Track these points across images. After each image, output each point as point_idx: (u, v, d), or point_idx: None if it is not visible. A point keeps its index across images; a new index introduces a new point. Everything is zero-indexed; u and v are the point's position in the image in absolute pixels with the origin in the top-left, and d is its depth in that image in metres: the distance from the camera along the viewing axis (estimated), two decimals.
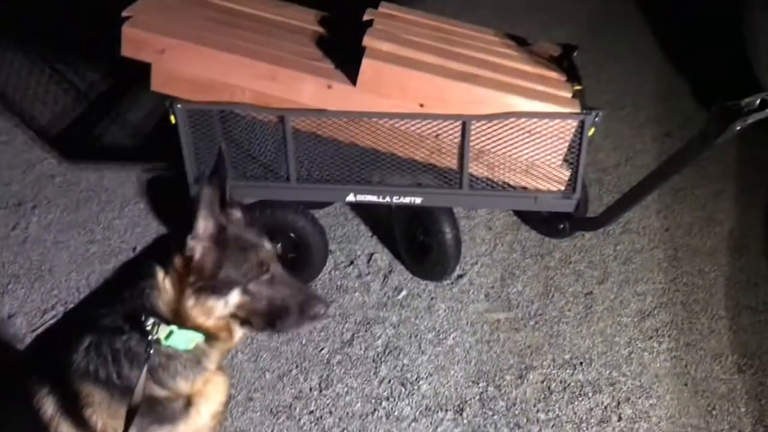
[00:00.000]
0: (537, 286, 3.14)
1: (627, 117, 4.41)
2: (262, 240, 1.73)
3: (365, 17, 2.97)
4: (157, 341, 1.63)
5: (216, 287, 1.63)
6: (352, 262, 3.27)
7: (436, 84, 2.63)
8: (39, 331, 2.85)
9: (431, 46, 2.83)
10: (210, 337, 1.70)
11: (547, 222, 3.23)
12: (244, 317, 1.69)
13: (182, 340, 1.67)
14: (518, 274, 3.20)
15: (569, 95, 2.74)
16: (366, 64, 2.62)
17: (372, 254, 3.32)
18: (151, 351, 1.62)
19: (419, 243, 3.10)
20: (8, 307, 3.00)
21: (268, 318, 1.70)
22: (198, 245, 1.60)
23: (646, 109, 4.52)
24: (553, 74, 2.89)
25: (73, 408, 1.73)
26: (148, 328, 1.62)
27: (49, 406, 1.75)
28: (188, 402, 1.76)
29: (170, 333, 1.64)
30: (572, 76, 2.90)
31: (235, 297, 1.65)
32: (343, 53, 2.81)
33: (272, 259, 1.72)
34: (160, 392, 1.72)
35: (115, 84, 4.86)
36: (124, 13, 2.71)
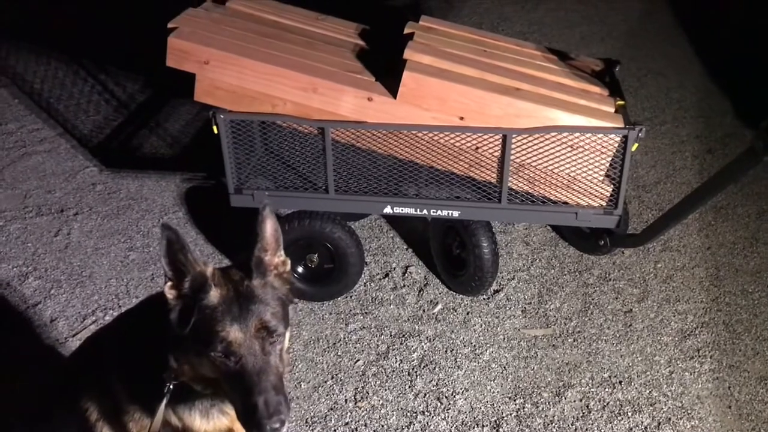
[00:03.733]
0: (575, 302, 3.09)
1: (667, 133, 4.35)
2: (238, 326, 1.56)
3: (406, 30, 2.98)
4: (175, 378, 1.64)
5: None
6: (387, 275, 3.27)
7: (476, 97, 2.62)
8: (80, 335, 2.89)
9: (472, 59, 2.83)
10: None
11: (586, 238, 3.19)
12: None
13: (197, 385, 1.67)
14: (556, 291, 3.16)
15: (612, 110, 2.72)
16: (407, 76, 2.63)
17: (407, 267, 3.31)
18: (170, 387, 1.64)
19: (456, 257, 3.09)
20: (50, 312, 3.04)
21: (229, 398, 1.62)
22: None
23: (686, 125, 4.46)
24: (596, 89, 2.87)
25: (114, 415, 1.76)
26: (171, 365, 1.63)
27: (94, 411, 1.78)
28: (229, 431, 1.77)
29: None
30: (614, 90, 2.88)
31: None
32: (384, 66, 2.82)
33: (248, 351, 1.55)
34: (198, 424, 1.73)
35: (154, 95, 4.98)
36: (170, 24, 2.76)
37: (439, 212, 2.84)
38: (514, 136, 2.63)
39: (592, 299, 3.11)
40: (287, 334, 1.64)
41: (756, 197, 3.72)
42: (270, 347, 1.57)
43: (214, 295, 1.57)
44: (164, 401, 1.62)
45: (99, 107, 4.74)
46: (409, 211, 2.86)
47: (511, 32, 5.70)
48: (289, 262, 1.72)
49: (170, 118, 4.67)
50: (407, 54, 2.75)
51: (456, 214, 2.83)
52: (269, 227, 1.65)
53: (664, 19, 6.01)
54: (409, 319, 3.01)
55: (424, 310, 3.06)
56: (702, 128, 4.44)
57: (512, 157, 2.67)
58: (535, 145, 2.66)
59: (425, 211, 2.85)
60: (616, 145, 2.61)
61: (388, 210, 2.87)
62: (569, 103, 2.68)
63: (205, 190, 3.90)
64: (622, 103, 2.76)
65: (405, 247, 3.44)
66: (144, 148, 4.38)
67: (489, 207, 2.79)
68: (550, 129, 2.61)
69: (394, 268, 3.31)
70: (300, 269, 3.05)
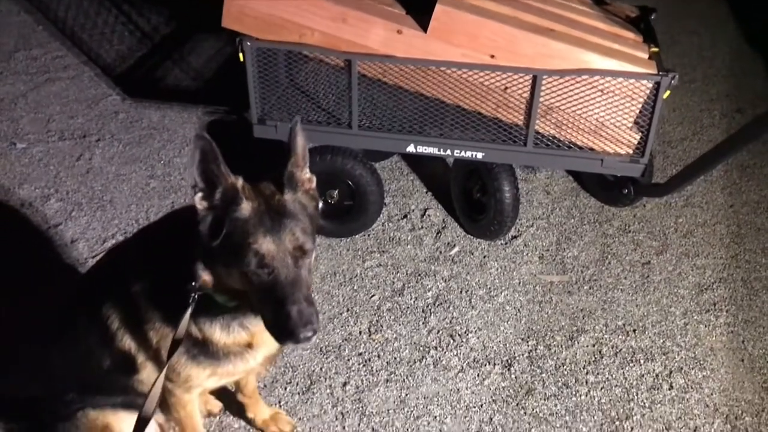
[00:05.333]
0: (593, 252, 3.08)
1: (696, 91, 4.28)
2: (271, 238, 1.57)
3: None
4: (200, 289, 1.64)
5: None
6: (405, 216, 3.26)
7: (509, 35, 2.58)
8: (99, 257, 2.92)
9: None
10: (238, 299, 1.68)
11: (609, 188, 3.16)
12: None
13: (222, 297, 1.68)
14: (575, 239, 3.15)
15: (645, 56, 2.66)
16: (439, 10, 2.58)
17: (426, 209, 3.30)
18: (195, 297, 1.64)
19: (476, 201, 3.07)
20: (71, 233, 3.07)
21: (258, 310, 1.62)
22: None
23: (717, 84, 4.37)
24: (630, 34, 2.81)
25: (135, 323, 1.79)
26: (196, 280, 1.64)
27: (115, 319, 1.80)
28: (248, 345, 1.78)
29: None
30: (649, 37, 2.82)
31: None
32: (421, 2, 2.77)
33: (281, 263, 1.56)
34: (217, 336, 1.74)
35: (178, 28, 4.94)
36: None
37: (462, 153, 2.81)
38: (544, 77, 2.58)
39: (611, 249, 3.10)
40: (315, 251, 1.65)
41: None
42: (301, 261, 1.58)
43: (245, 207, 1.57)
44: (189, 311, 1.63)
45: (123, 37, 4.71)
46: (433, 150, 2.83)
47: None
48: (314, 179, 1.72)
49: (193, 52, 4.64)
50: None
51: (480, 155, 2.80)
52: (300, 142, 1.64)
53: None
54: (425, 260, 3.02)
55: (440, 252, 3.06)
56: (732, 88, 4.36)
57: (541, 100, 2.64)
58: (564, 87, 2.62)
59: (449, 151, 2.82)
60: (648, 91, 2.57)
61: (411, 148, 2.85)
62: (602, 47, 2.63)
63: (226, 123, 3.89)
64: (656, 50, 2.71)
65: (425, 190, 3.43)
66: (167, 79, 4.37)
67: (514, 150, 2.76)
68: (582, 72, 2.57)
69: (413, 210, 3.30)
70: (320, 205, 3.05)
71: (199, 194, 1.59)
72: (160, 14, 5.04)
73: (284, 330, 1.54)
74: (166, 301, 1.72)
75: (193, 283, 1.63)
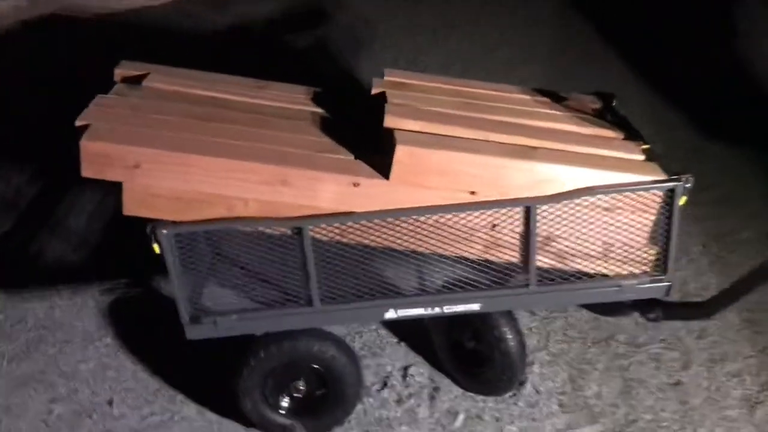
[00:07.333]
0: (614, 383, 2.63)
1: None
2: None
3: (374, 90, 2.45)
4: None
5: None
6: (385, 384, 2.69)
7: (489, 165, 2.12)
8: None
9: (464, 117, 2.33)
10: None
11: (616, 310, 2.71)
12: None
13: None
14: (588, 370, 2.69)
15: (642, 157, 2.28)
16: (401, 151, 2.08)
17: (406, 368, 2.74)
18: None
19: (469, 351, 2.55)
20: None
21: None
22: None
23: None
24: (610, 133, 2.43)
25: None
26: None
27: None
28: None
29: None
30: (627, 131, 2.45)
31: None
32: (358, 139, 2.28)
33: None
34: None
35: (46, 186, 4.16)
36: (79, 122, 2.11)
37: (455, 308, 2.29)
38: (539, 206, 2.13)
39: (630, 374, 2.65)
40: None
41: None
42: None
43: None
44: None
45: None
46: (418, 311, 2.30)
47: (433, 64, 5.29)
48: None
49: (71, 212, 3.86)
50: (389, 121, 2.21)
51: (476, 307, 2.29)
52: None
53: (581, 36, 5.78)
54: None
55: (443, 426, 2.50)
56: (662, 147, 4.13)
57: (537, 231, 2.18)
58: (563, 213, 2.18)
59: (437, 309, 2.30)
60: (660, 200, 2.17)
61: (390, 314, 2.29)
62: (596, 158, 2.23)
63: (133, 301, 3.18)
64: (647, 147, 2.34)
65: (395, 340, 2.87)
66: (45, 256, 3.56)
67: (515, 294, 2.27)
68: (583, 192, 2.14)
69: (391, 373, 2.73)
70: (284, 402, 2.43)
71: None
72: (21, 172, 4.24)
73: None
74: None
75: None
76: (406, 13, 6.00)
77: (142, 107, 2.29)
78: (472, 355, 2.56)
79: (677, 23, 5.40)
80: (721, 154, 4.00)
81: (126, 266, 3.32)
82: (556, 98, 2.65)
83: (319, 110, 2.51)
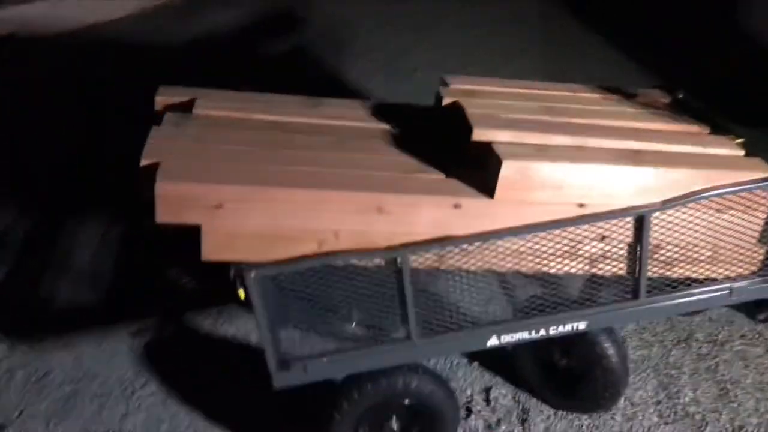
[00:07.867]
0: (707, 386, 2.52)
1: None
2: None
3: (446, 100, 2.27)
4: None
5: None
6: (468, 410, 2.52)
7: (602, 174, 1.96)
8: None
9: (552, 123, 2.18)
10: None
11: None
12: None
13: None
14: (676, 375, 2.57)
15: (742, 152, 2.17)
16: (508, 168, 1.91)
17: (487, 390, 2.58)
18: None
19: (562, 369, 2.41)
20: None
21: None
22: None
23: None
24: (694, 128, 2.31)
25: None
26: None
27: None
28: None
29: None
30: (710, 125, 2.34)
31: None
32: (438, 154, 2.11)
33: None
34: None
35: (42, 221, 3.81)
36: (144, 161, 1.86)
37: (560, 329, 2.14)
38: (654, 215, 2.00)
39: (722, 375, 2.55)
40: None
41: None
42: None
43: None
44: None
45: None
46: (522, 335, 2.13)
47: (425, 61, 5.14)
48: None
49: (74, 247, 3.53)
50: (479, 134, 2.04)
51: (582, 325, 2.15)
52: None
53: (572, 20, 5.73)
54: None
55: None
56: None
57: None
58: (674, 218, 2.05)
59: (542, 332, 2.14)
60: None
61: (493, 341, 2.13)
62: (701, 157, 2.10)
63: (170, 341, 2.92)
64: (741, 140, 2.23)
65: (466, 361, 2.70)
66: (57, 300, 3.24)
67: (624, 307, 2.13)
68: (698, 195, 2.01)
69: (472, 397, 2.56)
70: None
71: None
72: (8, 208, 3.86)
73: None
74: None
75: None
76: (381, 12, 5.84)
77: (204, 138, 2.06)
78: (564, 372, 2.41)
79: (673, 14, 5.40)
80: None
81: (151, 304, 3.06)
82: (626, 95, 2.53)
83: (386, 126, 2.32)
